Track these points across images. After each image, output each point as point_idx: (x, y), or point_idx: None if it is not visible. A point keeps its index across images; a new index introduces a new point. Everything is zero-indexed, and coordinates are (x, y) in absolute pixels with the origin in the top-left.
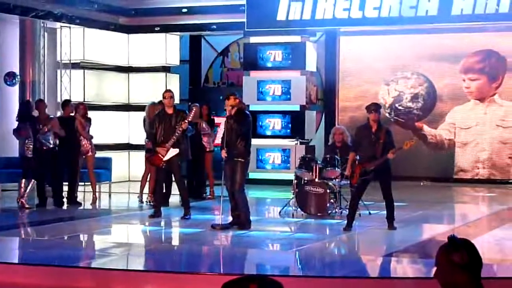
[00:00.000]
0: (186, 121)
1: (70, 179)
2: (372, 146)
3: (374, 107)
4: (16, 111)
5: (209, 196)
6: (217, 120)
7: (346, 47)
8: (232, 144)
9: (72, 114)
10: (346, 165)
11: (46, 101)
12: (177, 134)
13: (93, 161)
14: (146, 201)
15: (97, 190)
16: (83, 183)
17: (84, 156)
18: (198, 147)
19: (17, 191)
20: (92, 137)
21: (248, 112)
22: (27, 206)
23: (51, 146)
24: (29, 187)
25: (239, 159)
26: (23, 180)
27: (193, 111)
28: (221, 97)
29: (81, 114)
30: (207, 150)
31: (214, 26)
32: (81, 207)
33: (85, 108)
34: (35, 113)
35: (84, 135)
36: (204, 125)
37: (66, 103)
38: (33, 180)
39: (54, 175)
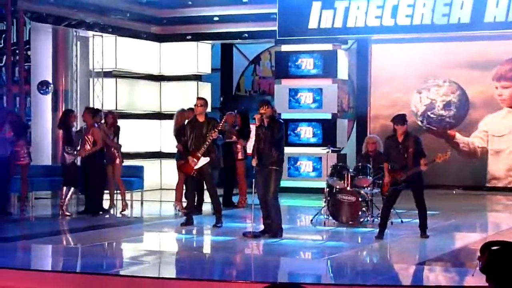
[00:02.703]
0: (216, 130)
1: (97, 187)
2: (401, 156)
3: (401, 120)
4: (49, 120)
5: (237, 204)
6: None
7: (378, 55)
8: (265, 153)
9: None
10: (378, 174)
11: (78, 109)
12: (207, 142)
13: (121, 170)
14: (178, 210)
15: (128, 198)
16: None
17: (111, 165)
18: (229, 155)
19: (50, 199)
20: (120, 146)
21: (281, 120)
22: (67, 213)
23: (71, 160)
24: (68, 195)
25: (273, 167)
26: (64, 188)
27: (224, 119)
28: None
29: (110, 123)
30: (238, 158)
31: (246, 35)
32: (113, 215)
33: (114, 117)
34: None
35: (108, 143)
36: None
37: (95, 112)
38: (72, 188)
39: (85, 184)
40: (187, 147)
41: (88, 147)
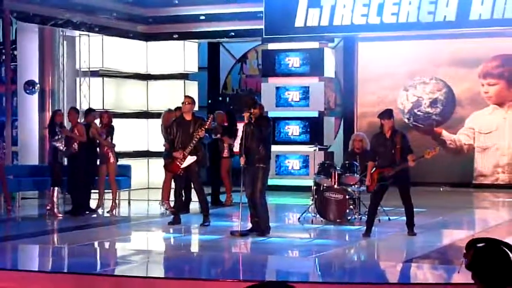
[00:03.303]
0: (203, 128)
1: (83, 187)
2: (389, 152)
3: (388, 114)
4: (36, 119)
5: (223, 203)
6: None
7: (365, 53)
8: (253, 150)
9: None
10: (365, 172)
11: (65, 109)
12: (194, 141)
13: (115, 169)
14: (165, 208)
15: (116, 197)
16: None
17: (105, 164)
18: (215, 153)
19: (37, 199)
20: (114, 145)
21: (269, 117)
22: (59, 215)
23: (62, 149)
24: (55, 195)
25: (260, 165)
26: (52, 189)
27: (210, 118)
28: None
29: (105, 122)
30: (223, 156)
31: (232, 33)
32: (101, 215)
33: (109, 116)
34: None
35: (102, 141)
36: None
37: (88, 112)
38: (57, 188)
39: (71, 183)
40: (174, 146)
41: (75, 145)
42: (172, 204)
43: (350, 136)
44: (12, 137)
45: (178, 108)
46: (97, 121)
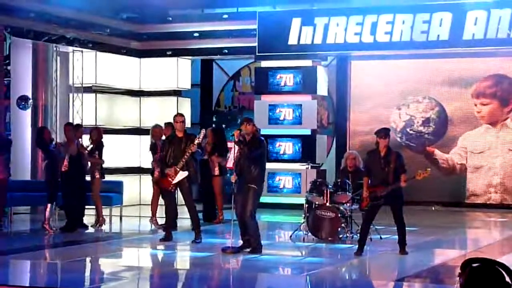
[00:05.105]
0: (195, 143)
1: (77, 202)
2: (382, 171)
3: (384, 133)
4: (29, 135)
5: (215, 220)
6: (229, 144)
7: (358, 71)
8: (245, 169)
9: (81, 140)
10: (358, 191)
11: (58, 125)
12: (185, 157)
13: (99, 185)
14: (155, 225)
15: (107, 213)
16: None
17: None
18: (206, 171)
19: (29, 214)
20: (103, 162)
21: (262, 138)
22: (52, 230)
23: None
24: (48, 210)
25: (252, 185)
26: (48, 205)
27: (202, 133)
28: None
29: (94, 139)
30: (214, 174)
31: (226, 50)
32: (91, 231)
33: (99, 133)
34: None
35: (87, 158)
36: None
37: (76, 127)
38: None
39: (65, 199)
40: (165, 162)
41: (66, 162)
42: (159, 220)
43: (343, 155)
44: None
45: (168, 124)
46: (87, 137)
